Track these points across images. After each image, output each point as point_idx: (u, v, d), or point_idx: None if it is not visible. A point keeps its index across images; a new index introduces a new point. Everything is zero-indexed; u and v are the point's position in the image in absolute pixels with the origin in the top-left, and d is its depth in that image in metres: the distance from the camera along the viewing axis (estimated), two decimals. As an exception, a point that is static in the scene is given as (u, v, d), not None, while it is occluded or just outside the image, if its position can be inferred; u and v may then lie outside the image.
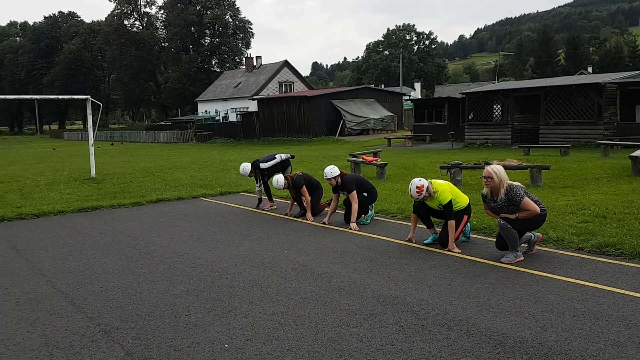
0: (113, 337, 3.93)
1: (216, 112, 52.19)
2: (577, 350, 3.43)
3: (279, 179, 8.41)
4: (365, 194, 7.81)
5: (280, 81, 50.26)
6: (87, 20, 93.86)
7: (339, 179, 7.80)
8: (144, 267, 5.84)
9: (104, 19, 78.71)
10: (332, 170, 7.80)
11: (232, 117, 48.76)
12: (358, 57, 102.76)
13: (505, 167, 11.89)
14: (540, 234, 5.81)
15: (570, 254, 5.67)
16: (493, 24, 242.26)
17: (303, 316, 4.20)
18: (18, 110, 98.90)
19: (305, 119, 35.77)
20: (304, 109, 35.88)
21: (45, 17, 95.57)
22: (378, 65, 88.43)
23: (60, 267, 5.95)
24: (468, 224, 6.41)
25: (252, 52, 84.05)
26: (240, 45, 71.83)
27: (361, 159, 13.71)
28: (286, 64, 51.16)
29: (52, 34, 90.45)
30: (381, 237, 6.82)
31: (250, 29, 72.23)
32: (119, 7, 73.09)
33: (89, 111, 15.35)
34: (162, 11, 73.84)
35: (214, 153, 27.91)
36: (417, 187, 6.01)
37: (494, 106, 23.92)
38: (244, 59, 63.19)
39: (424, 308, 4.28)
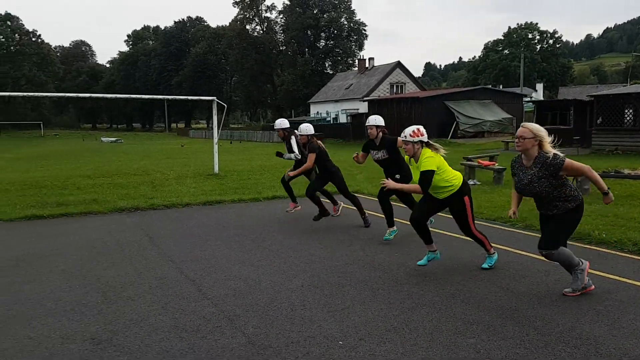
0: (235, 325, 4.18)
1: (327, 113, 53.11)
2: None
3: (308, 127, 8.04)
4: (397, 176, 6.75)
5: (392, 82, 49.97)
6: (213, 25, 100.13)
7: (381, 133, 6.88)
8: (262, 259, 6.13)
9: (228, 24, 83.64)
10: (376, 118, 7.05)
11: (342, 119, 49.33)
12: (475, 56, 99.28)
13: (637, 177, 10.84)
14: (588, 262, 4.78)
15: None
16: (624, 22, 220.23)
17: (416, 321, 4.16)
18: (150, 110, 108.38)
19: (417, 120, 35.11)
20: (415, 110, 35.34)
21: (175, 21, 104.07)
22: (496, 64, 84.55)
23: (188, 255, 6.44)
24: (495, 254, 5.64)
25: (365, 53, 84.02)
26: (353, 47, 72.57)
27: (477, 163, 13.24)
28: (398, 65, 50.75)
29: (181, 37, 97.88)
30: (498, 246, 6.53)
31: (365, 30, 72.72)
32: (242, 12, 77.15)
33: (215, 111, 16.41)
34: (281, 16, 76.86)
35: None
36: (416, 129, 5.42)
37: (626, 110, 21.81)
38: (356, 60, 63.77)
39: (548, 323, 4.04)
